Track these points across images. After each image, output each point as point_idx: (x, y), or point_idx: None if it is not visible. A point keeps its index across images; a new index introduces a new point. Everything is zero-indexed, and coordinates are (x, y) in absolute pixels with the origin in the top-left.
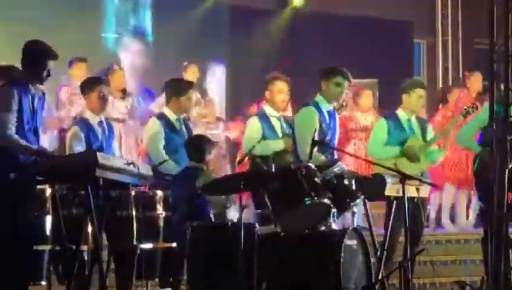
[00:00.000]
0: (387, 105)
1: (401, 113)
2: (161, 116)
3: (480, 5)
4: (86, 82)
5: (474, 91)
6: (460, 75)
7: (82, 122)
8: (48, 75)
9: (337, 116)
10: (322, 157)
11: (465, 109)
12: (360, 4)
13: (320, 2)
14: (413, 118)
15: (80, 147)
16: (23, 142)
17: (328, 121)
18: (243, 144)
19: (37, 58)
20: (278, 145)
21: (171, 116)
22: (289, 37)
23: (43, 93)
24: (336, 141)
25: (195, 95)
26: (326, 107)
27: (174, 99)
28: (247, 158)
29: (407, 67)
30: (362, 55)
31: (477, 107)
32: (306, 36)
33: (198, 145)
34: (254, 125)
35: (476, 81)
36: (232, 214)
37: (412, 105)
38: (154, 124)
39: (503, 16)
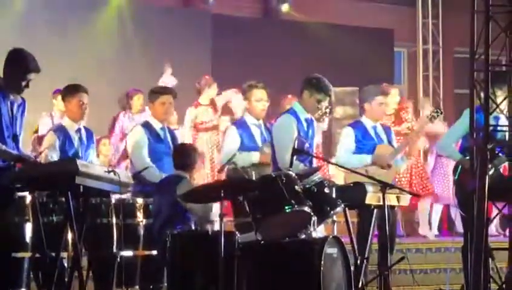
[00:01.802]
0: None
1: (365, 120)
2: (146, 125)
3: (461, 14)
4: (66, 89)
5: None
6: (441, 83)
7: (59, 128)
8: (27, 86)
9: (315, 124)
10: (301, 166)
11: (431, 114)
12: (340, 12)
13: (301, 11)
14: (378, 125)
15: (54, 154)
16: (3, 147)
17: (306, 129)
18: (221, 153)
19: (18, 68)
20: (255, 157)
21: (156, 124)
22: (270, 45)
23: (23, 100)
24: (314, 149)
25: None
26: (303, 115)
27: (150, 106)
28: (227, 167)
29: (388, 75)
30: (343, 63)
31: (441, 112)
32: (286, 43)
33: (184, 154)
34: (232, 135)
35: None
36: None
37: (373, 114)
38: (139, 131)
39: (483, 25)
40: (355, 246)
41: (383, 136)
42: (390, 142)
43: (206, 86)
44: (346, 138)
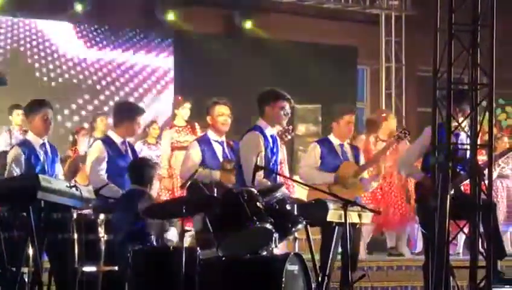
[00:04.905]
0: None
1: (333, 138)
2: (106, 140)
3: (424, 32)
4: (30, 104)
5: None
6: (404, 101)
7: (24, 143)
8: None
9: (279, 141)
10: (265, 181)
11: (397, 135)
12: (303, 29)
13: (264, 27)
14: (345, 144)
15: (18, 169)
16: None
17: (272, 146)
18: (181, 168)
19: None
20: (216, 175)
21: (117, 139)
22: (233, 61)
23: None
24: (278, 166)
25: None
26: (269, 131)
27: (127, 123)
28: (189, 182)
29: (351, 93)
30: (306, 81)
31: (408, 133)
32: (249, 61)
33: (140, 169)
34: (194, 151)
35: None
36: (172, 236)
37: (340, 132)
38: (98, 148)
39: (446, 43)
40: (317, 263)
41: (350, 155)
42: (357, 162)
43: (179, 107)
44: (311, 153)
